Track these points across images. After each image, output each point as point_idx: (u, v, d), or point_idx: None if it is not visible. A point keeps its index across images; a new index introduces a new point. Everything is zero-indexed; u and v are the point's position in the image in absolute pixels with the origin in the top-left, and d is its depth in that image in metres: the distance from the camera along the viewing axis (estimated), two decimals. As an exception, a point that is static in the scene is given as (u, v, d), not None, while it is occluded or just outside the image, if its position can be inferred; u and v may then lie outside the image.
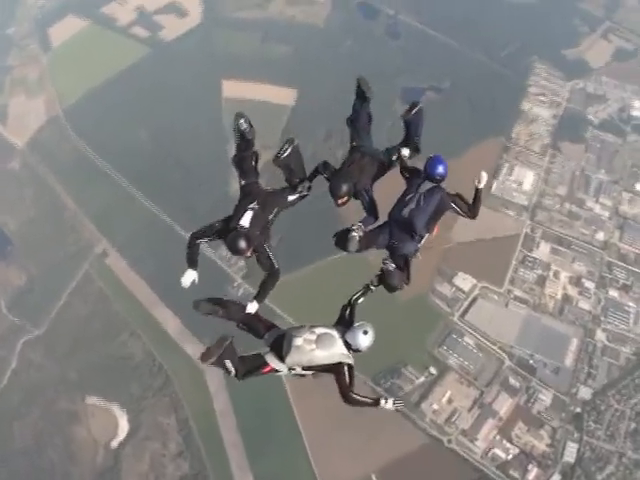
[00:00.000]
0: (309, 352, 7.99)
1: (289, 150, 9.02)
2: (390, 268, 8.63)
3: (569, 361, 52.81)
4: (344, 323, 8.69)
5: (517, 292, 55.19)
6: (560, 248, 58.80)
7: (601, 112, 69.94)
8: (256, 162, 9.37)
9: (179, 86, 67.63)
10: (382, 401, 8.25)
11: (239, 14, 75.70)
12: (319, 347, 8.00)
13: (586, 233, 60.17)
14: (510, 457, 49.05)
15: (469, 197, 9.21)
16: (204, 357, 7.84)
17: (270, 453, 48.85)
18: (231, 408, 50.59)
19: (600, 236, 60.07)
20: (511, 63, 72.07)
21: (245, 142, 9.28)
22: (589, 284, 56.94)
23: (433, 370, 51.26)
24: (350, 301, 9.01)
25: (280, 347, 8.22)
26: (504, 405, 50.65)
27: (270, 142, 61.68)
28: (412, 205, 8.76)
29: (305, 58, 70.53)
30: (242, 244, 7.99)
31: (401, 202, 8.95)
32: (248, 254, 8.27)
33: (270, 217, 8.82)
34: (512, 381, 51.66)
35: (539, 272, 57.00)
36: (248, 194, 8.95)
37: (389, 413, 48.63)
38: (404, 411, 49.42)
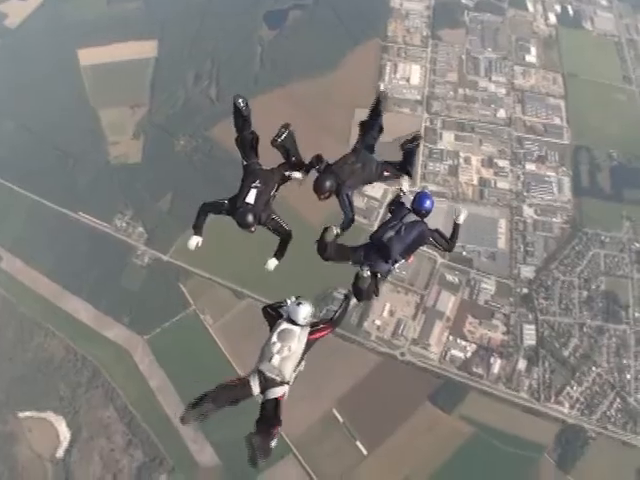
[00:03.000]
0: (290, 355, 8.44)
1: (285, 134, 9.69)
2: (365, 275, 9.04)
3: (502, 243, 51.68)
4: (276, 318, 9.08)
5: (432, 187, 53.15)
6: (464, 134, 57.54)
7: (474, -5, 69.74)
8: (256, 143, 9.97)
9: (36, 68, 63.88)
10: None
11: (80, -18, 72.86)
12: (290, 343, 8.48)
13: (487, 114, 59.16)
14: (469, 355, 47.67)
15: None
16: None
17: (223, 418, 45.53)
18: (169, 383, 47.63)
19: (502, 113, 59.14)
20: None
21: (242, 119, 9.84)
22: (503, 163, 55.95)
23: (365, 286, 48.65)
24: (268, 307, 9.38)
25: (270, 380, 8.49)
26: (448, 304, 49.07)
27: (142, 99, 60.42)
28: (392, 233, 9.25)
29: (157, 7, 68.40)
30: (250, 218, 9.02)
31: (384, 227, 9.44)
32: (253, 229, 9.22)
33: (272, 192, 9.65)
34: (450, 278, 50.11)
35: (449, 162, 55.59)
36: (251, 173, 9.67)
37: (332, 345, 46.47)
38: (348, 336, 47.42)
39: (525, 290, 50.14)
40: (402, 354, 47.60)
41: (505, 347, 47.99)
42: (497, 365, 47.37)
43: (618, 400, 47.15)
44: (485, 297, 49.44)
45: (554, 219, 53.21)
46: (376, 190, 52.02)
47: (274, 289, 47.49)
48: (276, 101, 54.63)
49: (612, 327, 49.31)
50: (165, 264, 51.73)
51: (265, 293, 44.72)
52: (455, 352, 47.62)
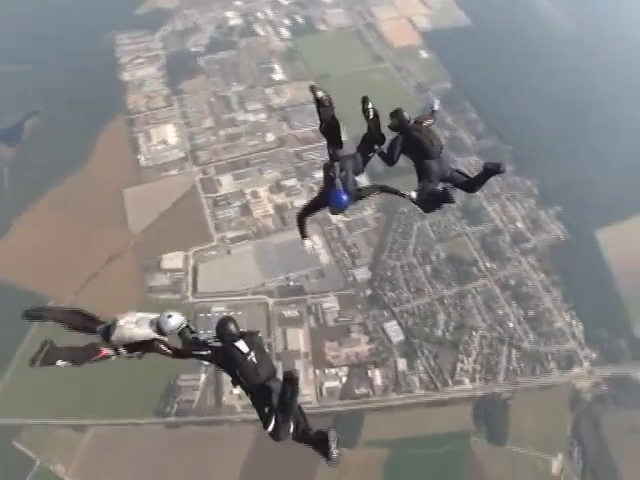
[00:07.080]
0: (129, 330, 8.52)
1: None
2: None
3: (325, 258, 49.89)
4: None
5: (230, 234, 51.21)
6: (241, 171, 56.37)
7: (201, 39, 70.14)
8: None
9: None
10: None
11: None
12: (138, 326, 8.56)
13: (256, 143, 58.72)
14: (345, 380, 44.66)
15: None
16: (31, 363, 8.25)
17: None
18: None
19: (270, 137, 59.07)
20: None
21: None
22: (291, 182, 55.29)
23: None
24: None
25: (108, 333, 8.62)
26: (299, 339, 46.13)
27: None
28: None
29: None
30: (231, 327, 8.27)
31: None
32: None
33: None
34: (289, 313, 47.32)
35: (237, 204, 53.89)
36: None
37: (200, 436, 42.25)
38: (214, 419, 43.28)
39: (369, 291, 48.41)
40: (273, 411, 43.59)
41: (377, 355, 45.65)
42: (377, 376, 44.90)
43: (514, 351, 46.57)
44: (333, 317, 47.12)
45: (365, 213, 52.45)
46: (175, 261, 48.95)
47: (114, 407, 43.36)
48: (40, 213, 51.76)
49: (471, 287, 49.10)
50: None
51: (105, 414, 41.76)
52: (329, 384, 44.58)
